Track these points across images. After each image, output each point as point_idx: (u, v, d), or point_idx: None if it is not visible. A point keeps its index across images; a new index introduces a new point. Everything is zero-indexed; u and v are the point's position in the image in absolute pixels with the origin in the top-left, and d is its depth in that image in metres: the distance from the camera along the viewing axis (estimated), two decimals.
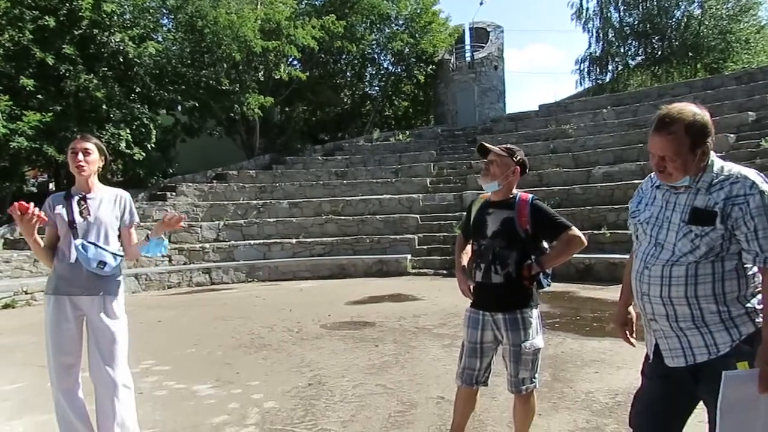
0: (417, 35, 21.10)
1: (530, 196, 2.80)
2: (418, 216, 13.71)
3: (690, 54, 24.38)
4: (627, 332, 2.21)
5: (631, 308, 2.21)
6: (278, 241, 13.09)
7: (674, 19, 24.94)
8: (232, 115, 17.46)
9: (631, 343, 2.20)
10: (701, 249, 1.79)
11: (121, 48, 13.81)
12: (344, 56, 21.34)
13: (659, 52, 25.85)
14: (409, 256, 12.23)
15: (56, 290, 2.86)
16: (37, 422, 3.74)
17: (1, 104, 11.99)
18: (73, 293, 2.87)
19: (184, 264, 12.29)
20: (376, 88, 23.91)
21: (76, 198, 2.95)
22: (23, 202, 2.72)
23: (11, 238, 11.99)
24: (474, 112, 21.49)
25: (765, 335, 1.71)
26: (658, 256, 1.89)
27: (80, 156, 2.90)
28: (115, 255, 2.96)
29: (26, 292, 9.49)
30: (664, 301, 1.85)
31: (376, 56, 22.41)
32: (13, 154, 12.63)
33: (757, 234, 1.73)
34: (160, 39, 16.16)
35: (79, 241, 2.86)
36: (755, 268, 1.81)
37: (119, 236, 3.09)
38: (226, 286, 11.51)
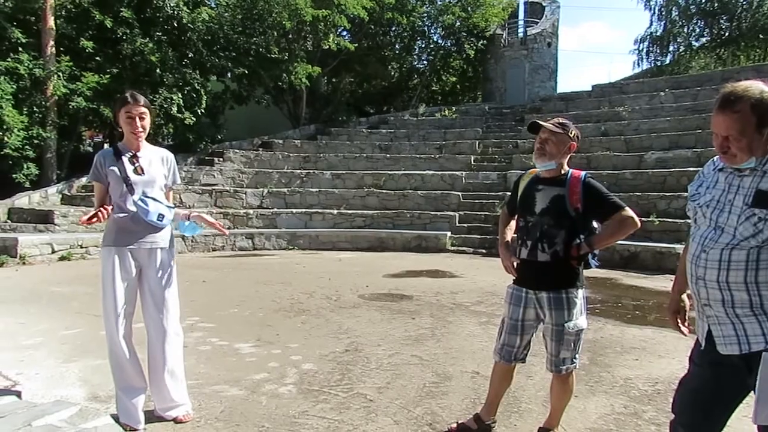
0: (469, 8, 20.58)
1: (582, 173, 2.71)
2: (460, 193, 13.59)
3: (760, 36, 22.89)
4: (678, 320, 2.14)
5: (684, 296, 2.14)
6: (320, 210, 13.28)
7: None
8: (279, 83, 17.58)
9: (682, 332, 2.13)
10: (765, 233, 1.71)
11: (176, 13, 14.05)
12: (394, 28, 21.06)
13: (726, 34, 24.37)
14: (448, 233, 12.18)
15: (117, 242, 2.97)
16: (92, 366, 3.98)
17: (62, 65, 12.48)
18: (133, 245, 2.99)
19: (229, 228, 12.61)
20: (425, 62, 23.55)
21: (128, 155, 3.03)
22: (102, 212, 2.87)
23: (68, 194, 12.59)
24: (523, 90, 20.93)
25: None
26: (718, 240, 1.82)
27: (138, 122, 2.98)
28: (169, 207, 3.08)
29: (81, 246, 9.98)
30: (720, 285, 1.79)
31: (426, 29, 22.00)
32: (72, 114, 13.16)
33: None
34: (213, 5, 16.37)
35: (137, 196, 2.96)
36: None
37: None
38: (267, 252, 11.79)
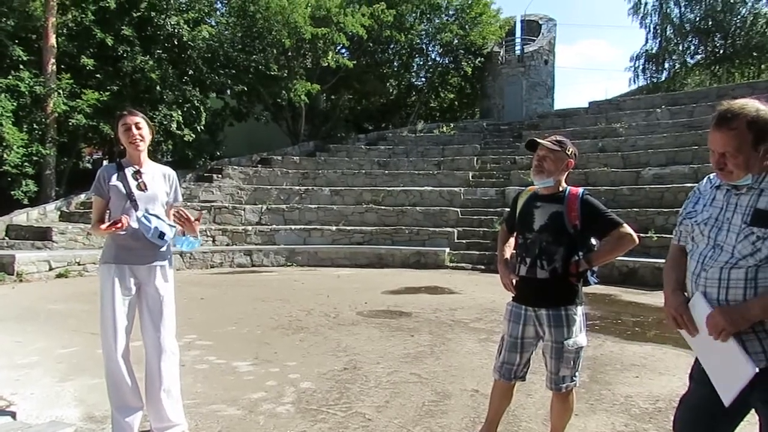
0: (467, 27, 20.84)
1: (580, 190, 2.72)
2: (458, 210, 13.61)
3: (754, 54, 23.17)
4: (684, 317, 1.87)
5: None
6: (318, 227, 13.28)
7: (739, 17, 23.67)
8: (279, 100, 17.72)
9: (686, 327, 1.87)
10: (763, 252, 1.72)
11: (176, 31, 14.19)
12: (392, 46, 21.28)
13: (720, 51, 24.63)
14: (447, 250, 12.17)
15: (116, 259, 2.95)
16: (88, 385, 3.93)
17: (63, 82, 12.56)
18: (133, 262, 2.97)
19: (227, 245, 12.61)
20: (423, 79, 23.75)
21: (131, 171, 3.03)
22: (122, 222, 2.85)
23: (67, 211, 12.57)
24: (521, 107, 21.09)
25: (753, 303, 1.71)
26: (717, 258, 1.82)
27: (134, 130, 2.98)
28: (171, 226, 3.06)
29: (79, 263, 9.94)
30: (720, 304, 1.79)
31: (424, 47, 22.24)
32: (72, 130, 13.21)
33: None
34: (213, 23, 16.56)
35: (140, 213, 2.95)
36: None
37: None
38: (266, 268, 11.75)
